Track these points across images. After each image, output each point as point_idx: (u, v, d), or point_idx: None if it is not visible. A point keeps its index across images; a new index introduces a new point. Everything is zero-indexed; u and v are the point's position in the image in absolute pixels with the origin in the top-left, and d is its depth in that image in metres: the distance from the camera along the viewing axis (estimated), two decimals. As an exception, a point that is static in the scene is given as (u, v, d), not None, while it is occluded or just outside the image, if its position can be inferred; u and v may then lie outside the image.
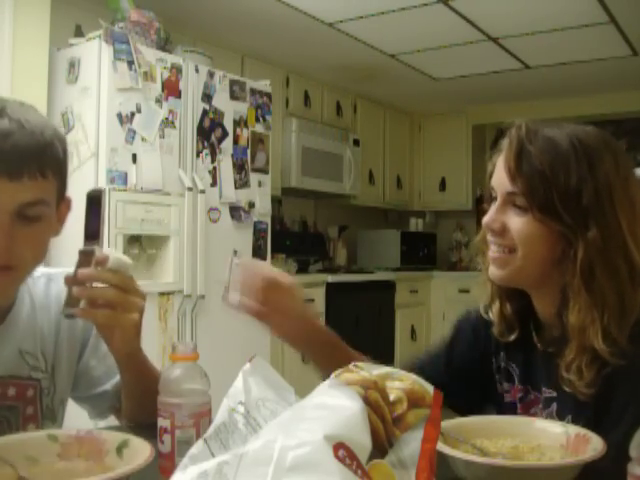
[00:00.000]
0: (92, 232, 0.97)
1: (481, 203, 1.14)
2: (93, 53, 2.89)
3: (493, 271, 1.06)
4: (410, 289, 5.18)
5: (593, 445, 0.79)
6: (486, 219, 1.04)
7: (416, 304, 5.15)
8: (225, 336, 3.35)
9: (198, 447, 0.63)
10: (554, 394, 1.04)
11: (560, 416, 1.02)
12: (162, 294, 3.07)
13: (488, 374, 1.16)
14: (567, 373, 0.99)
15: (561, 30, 3.78)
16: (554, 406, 1.04)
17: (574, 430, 0.85)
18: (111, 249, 0.95)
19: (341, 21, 3.76)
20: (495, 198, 1.05)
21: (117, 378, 1.17)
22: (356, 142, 5.07)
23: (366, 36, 4.01)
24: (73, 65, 2.96)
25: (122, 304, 0.97)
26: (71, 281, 0.95)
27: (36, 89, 2.84)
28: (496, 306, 1.13)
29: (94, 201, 0.99)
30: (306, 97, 4.76)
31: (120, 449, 0.80)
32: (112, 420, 1.23)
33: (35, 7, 2.87)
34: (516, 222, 1.01)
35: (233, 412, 0.66)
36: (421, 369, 1.18)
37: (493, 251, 1.05)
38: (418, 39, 4.06)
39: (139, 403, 1.11)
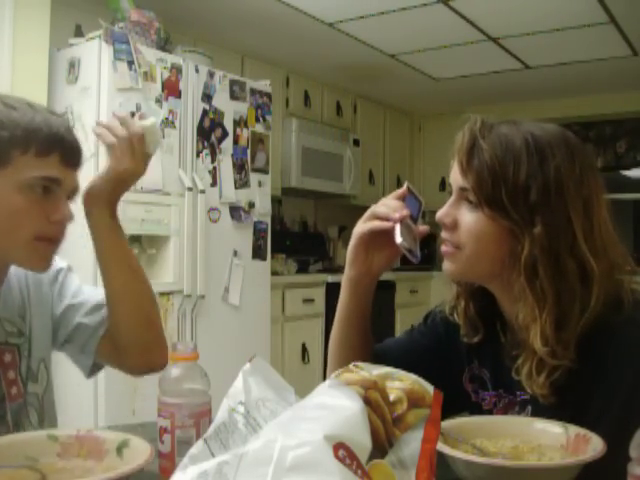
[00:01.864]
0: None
1: None
2: (93, 53, 2.90)
3: (445, 266, 1.05)
4: (410, 289, 5.18)
5: (593, 445, 0.79)
6: (439, 214, 1.03)
7: (416, 304, 5.14)
8: (225, 336, 3.35)
9: (198, 447, 0.63)
10: (527, 396, 1.01)
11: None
12: (162, 294, 3.07)
13: (457, 380, 1.13)
14: (517, 375, 0.98)
15: (561, 30, 3.78)
16: (529, 409, 1.01)
17: (574, 430, 0.84)
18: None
19: (341, 21, 3.76)
20: (451, 193, 1.04)
21: (96, 316, 1.18)
22: (356, 142, 5.07)
23: (366, 36, 4.01)
24: (73, 65, 2.96)
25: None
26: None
27: (36, 89, 2.84)
28: (461, 306, 1.11)
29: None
30: (306, 97, 4.76)
31: (120, 449, 0.80)
32: (112, 420, 1.24)
33: (35, 7, 2.87)
34: (467, 218, 1.00)
35: (233, 412, 0.66)
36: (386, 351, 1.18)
37: (445, 245, 1.04)
38: (418, 39, 4.06)
39: (129, 308, 1.15)
